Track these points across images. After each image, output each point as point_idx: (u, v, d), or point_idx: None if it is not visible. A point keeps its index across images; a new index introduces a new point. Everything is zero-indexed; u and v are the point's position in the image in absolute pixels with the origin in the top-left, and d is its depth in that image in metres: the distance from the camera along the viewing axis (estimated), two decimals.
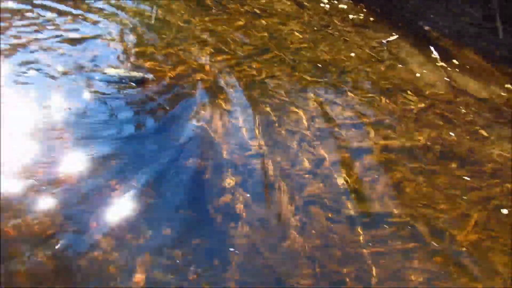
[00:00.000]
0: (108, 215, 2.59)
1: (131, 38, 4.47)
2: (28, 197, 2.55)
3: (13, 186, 2.59)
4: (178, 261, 2.52)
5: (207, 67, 4.09)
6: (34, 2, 4.50)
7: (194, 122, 3.51)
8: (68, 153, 2.92)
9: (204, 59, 4.20)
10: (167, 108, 3.62)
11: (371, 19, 5.20)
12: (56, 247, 2.36)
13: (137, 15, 4.79)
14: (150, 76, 3.90)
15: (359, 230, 2.84)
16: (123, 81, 3.81)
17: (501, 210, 3.02)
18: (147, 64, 4.09)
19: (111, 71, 3.92)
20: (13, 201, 2.51)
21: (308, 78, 4.12)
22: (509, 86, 4.17)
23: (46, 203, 2.54)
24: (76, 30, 4.42)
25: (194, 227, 2.75)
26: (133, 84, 3.78)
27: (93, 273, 2.32)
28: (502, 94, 4.10)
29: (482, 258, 2.73)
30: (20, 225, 2.42)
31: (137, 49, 4.32)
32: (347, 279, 2.57)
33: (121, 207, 2.68)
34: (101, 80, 3.76)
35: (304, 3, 5.41)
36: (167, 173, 3.07)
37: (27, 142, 2.90)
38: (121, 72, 3.92)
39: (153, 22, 4.69)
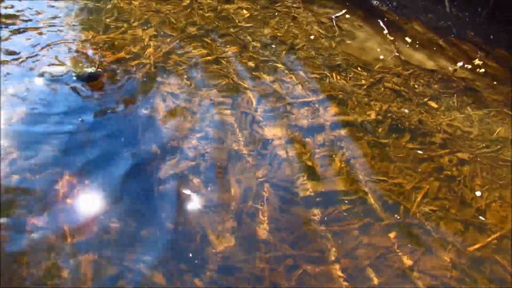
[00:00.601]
0: None
1: (70, 22, 4.21)
2: None
3: None
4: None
5: (151, 50, 3.90)
6: None
7: (138, 107, 3.34)
8: None
9: (147, 42, 4.00)
10: (109, 94, 3.43)
11: None
12: None
13: None
14: (100, 70, 3.59)
15: (313, 210, 2.79)
16: (72, 78, 3.54)
17: (452, 179, 3.04)
18: (87, 49, 3.86)
19: (56, 70, 3.64)
20: None
21: (258, 57, 4.00)
22: (457, 59, 4.21)
23: None
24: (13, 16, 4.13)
25: (139, 219, 2.62)
26: (81, 86, 3.51)
27: None
28: (450, 65, 4.12)
29: (434, 229, 2.74)
30: None
31: (76, 34, 4.07)
32: (303, 261, 2.52)
33: None
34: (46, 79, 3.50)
35: None
36: (112, 159, 2.92)
37: None
38: (67, 68, 3.62)
39: None
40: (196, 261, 2.43)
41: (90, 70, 3.55)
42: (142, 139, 3.09)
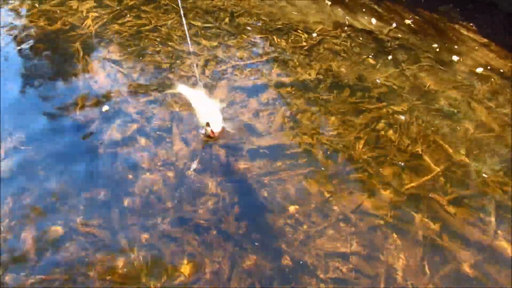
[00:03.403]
0: None
1: None
2: None
3: None
4: None
5: (89, 21, 3.81)
6: None
7: (78, 77, 3.28)
8: None
9: (86, 13, 3.90)
10: (49, 65, 3.35)
11: None
12: None
13: None
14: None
15: (259, 162, 2.87)
16: None
17: (389, 128, 3.20)
18: (25, 21, 3.72)
19: None
20: None
21: (199, 24, 4.00)
22: (390, 20, 4.38)
23: None
24: None
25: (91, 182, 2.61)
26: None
27: None
28: (384, 26, 4.29)
29: (375, 173, 2.89)
30: None
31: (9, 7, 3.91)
32: (250, 211, 2.60)
33: None
34: None
35: None
36: (52, 130, 2.87)
37: None
38: None
39: None
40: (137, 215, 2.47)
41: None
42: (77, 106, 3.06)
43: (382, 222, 2.64)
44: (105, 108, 3.05)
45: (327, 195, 2.76)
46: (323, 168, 2.89)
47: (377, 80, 3.59)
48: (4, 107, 2.99)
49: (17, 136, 2.80)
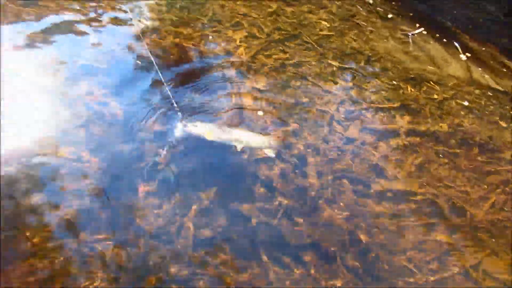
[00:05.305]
0: None
1: (166, 18, 4.65)
2: None
3: None
4: None
5: (241, 49, 4.28)
6: None
7: (226, 98, 3.70)
8: None
9: (238, 42, 4.39)
10: (201, 86, 3.82)
11: (395, 11, 5.36)
12: None
13: None
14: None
15: (385, 204, 3.05)
16: None
17: None
18: (185, 43, 4.28)
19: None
20: None
21: (337, 64, 4.30)
22: None
23: None
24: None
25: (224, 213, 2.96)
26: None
27: None
28: None
29: (499, 235, 2.93)
30: None
31: (172, 29, 4.50)
32: (373, 247, 2.79)
33: None
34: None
35: None
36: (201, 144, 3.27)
37: None
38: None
39: None
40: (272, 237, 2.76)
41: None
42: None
43: (503, 286, 2.68)
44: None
45: (447, 247, 2.86)
46: (445, 221, 3.00)
47: (510, 142, 3.60)
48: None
49: (172, 147, 3.24)
